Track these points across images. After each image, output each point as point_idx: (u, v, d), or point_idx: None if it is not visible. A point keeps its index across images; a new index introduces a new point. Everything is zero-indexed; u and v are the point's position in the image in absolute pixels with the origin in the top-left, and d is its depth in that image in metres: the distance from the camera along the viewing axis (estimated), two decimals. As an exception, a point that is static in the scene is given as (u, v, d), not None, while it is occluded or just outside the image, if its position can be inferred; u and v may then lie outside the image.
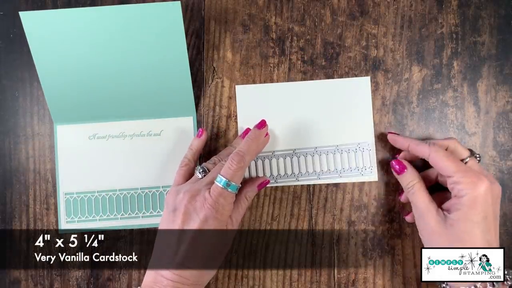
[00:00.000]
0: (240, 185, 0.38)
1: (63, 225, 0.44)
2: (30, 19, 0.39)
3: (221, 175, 0.37)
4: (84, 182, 0.44)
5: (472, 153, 0.39)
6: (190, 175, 0.41)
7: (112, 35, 0.40)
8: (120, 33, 0.39)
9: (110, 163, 0.44)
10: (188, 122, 0.45)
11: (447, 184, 0.38)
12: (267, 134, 0.43)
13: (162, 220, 0.39)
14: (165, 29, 0.39)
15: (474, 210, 0.35)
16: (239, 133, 0.44)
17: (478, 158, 0.40)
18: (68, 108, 0.43)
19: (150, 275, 0.37)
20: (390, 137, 0.43)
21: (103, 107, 0.44)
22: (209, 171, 0.40)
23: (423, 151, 0.39)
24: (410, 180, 0.39)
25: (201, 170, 0.40)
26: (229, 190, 0.37)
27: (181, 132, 0.45)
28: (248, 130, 0.43)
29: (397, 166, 0.40)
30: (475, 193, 0.35)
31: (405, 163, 0.40)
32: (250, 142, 0.39)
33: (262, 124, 0.41)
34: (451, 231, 0.36)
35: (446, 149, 0.40)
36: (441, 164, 0.37)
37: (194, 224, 0.36)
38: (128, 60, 0.41)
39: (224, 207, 0.37)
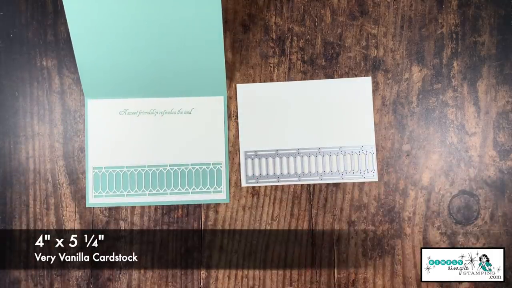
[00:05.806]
0: None
1: (91, 199, 0.44)
2: None
3: None
4: (113, 157, 0.44)
5: None
6: None
7: (148, 9, 0.39)
8: (155, 7, 0.39)
9: (139, 139, 0.44)
10: (219, 102, 0.45)
11: None
12: None
13: None
14: (202, 5, 0.38)
15: None
16: (240, 133, 0.44)
17: None
18: (100, 83, 0.43)
19: None
20: None
21: (135, 83, 0.44)
22: None
23: None
24: None
25: None
26: None
27: (211, 111, 0.45)
28: None
29: None
30: None
31: None
32: None
33: None
34: None
35: None
36: None
37: None
38: (163, 36, 0.40)
39: None
